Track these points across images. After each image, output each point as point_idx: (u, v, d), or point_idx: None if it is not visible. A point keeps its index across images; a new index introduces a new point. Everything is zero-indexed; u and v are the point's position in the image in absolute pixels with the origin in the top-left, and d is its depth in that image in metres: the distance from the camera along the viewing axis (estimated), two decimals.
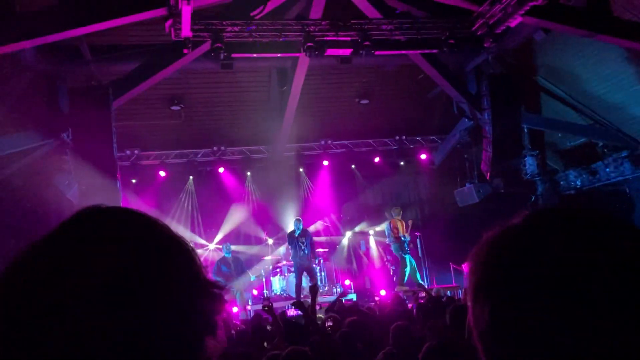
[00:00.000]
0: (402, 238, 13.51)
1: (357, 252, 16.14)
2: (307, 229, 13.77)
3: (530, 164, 14.13)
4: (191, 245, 0.87)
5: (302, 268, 12.77)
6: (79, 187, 10.67)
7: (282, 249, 15.25)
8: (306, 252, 12.76)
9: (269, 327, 7.16)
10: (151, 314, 0.75)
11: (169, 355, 0.76)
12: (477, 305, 0.85)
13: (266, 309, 6.57)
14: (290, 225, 14.10)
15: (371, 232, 16.34)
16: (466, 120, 14.05)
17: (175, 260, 0.81)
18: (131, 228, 0.81)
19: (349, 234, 16.33)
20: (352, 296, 13.67)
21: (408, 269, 13.39)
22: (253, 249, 15.34)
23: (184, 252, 0.84)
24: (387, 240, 14.07)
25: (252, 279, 13.77)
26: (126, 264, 0.76)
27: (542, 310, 0.77)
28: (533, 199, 14.61)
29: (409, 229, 13.78)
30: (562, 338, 0.76)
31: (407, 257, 13.53)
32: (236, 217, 15.42)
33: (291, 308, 10.50)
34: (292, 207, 15.61)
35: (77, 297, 0.72)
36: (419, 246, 15.64)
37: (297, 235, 12.92)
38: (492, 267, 0.84)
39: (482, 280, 0.85)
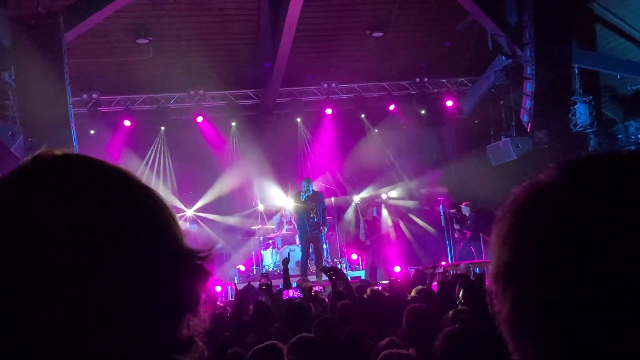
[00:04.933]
0: None
1: (366, 221, 16.23)
2: (318, 191, 13.61)
3: (581, 112, 14.06)
4: (169, 205, 0.90)
5: (309, 239, 12.68)
6: (25, 139, 10.69)
7: (275, 217, 15.33)
8: (315, 220, 12.69)
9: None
10: (114, 280, 0.77)
11: (137, 327, 0.79)
12: (498, 289, 0.81)
13: (264, 287, 6.52)
14: (283, 188, 14.01)
15: (384, 196, 16.38)
16: (503, 58, 13.96)
17: (148, 219, 0.84)
18: (98, 177, 0.84)
19: (356, 198, 16.39)
20: (360, 273, 13.77)
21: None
22: (232, 219, 15.42)
23: (160, 211, 0.87)
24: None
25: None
26: (89, 217, 0.78)
27: (580, 299, 0.71)
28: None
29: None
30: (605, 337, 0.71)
31: None
32: (218, 177, 15.47)
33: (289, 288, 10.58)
34: (286, 166, 15.60)
35: (28, 256, 0.75)
36: (441, 214, 15.68)
37: (305, 198, 12.70)
38: (514, 242, 0.79)
39: (503, 259, 0.80)
